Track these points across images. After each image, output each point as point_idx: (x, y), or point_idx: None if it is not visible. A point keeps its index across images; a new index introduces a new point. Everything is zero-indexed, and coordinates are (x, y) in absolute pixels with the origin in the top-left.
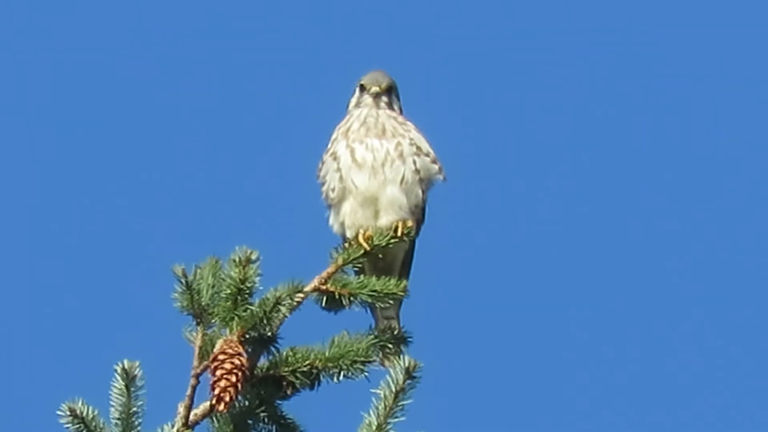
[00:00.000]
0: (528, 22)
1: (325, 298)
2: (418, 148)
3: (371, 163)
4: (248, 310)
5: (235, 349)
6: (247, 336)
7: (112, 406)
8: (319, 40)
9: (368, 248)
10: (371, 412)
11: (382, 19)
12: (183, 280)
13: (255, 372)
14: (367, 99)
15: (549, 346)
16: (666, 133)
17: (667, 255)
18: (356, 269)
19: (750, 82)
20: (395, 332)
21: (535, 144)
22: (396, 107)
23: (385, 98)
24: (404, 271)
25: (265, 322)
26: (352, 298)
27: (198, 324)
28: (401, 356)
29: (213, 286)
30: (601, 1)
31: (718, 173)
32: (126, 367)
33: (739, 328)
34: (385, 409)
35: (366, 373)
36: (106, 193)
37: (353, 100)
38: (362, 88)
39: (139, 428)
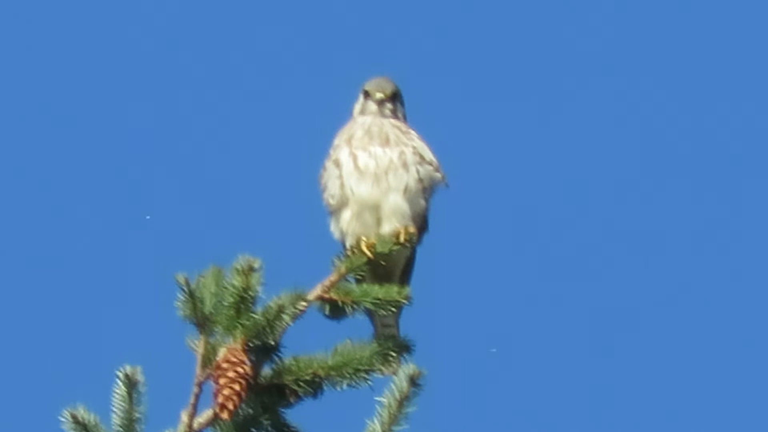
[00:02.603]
0: (530, 28)
1: (327, 306)
2: (422, 156)
3: (374, 171)
4: (251, 319)
5: (239, 357)
6: (250, 344)
7: (114, 412)
8: (320, 45)
9: (371, 256)
10: (375, 420)
11: (382, 24)
12: (185, 289)
13: (258, 380)
14: (372, 106)
15: (552, 353)
16: (665, 133)
17: (669, 257)
18: (359, 277)
19: (749, 82)
20: (398, 340)
21: (538, 151)
22: (400, 114)
23: (389, 105)
24: (404, 278)
25: (268, 330)
26: (355, 306)
27: (201, 332)
28: (405, 364)
29: (216, 295)
30: (599, 3)
31: (719, 174)
32: (128, 372)
33: (740, 327)
34: (389, 416)
35: (369, 382)
36: (109, 201)
37: (357, 107)
38: (366, 94)
39: None
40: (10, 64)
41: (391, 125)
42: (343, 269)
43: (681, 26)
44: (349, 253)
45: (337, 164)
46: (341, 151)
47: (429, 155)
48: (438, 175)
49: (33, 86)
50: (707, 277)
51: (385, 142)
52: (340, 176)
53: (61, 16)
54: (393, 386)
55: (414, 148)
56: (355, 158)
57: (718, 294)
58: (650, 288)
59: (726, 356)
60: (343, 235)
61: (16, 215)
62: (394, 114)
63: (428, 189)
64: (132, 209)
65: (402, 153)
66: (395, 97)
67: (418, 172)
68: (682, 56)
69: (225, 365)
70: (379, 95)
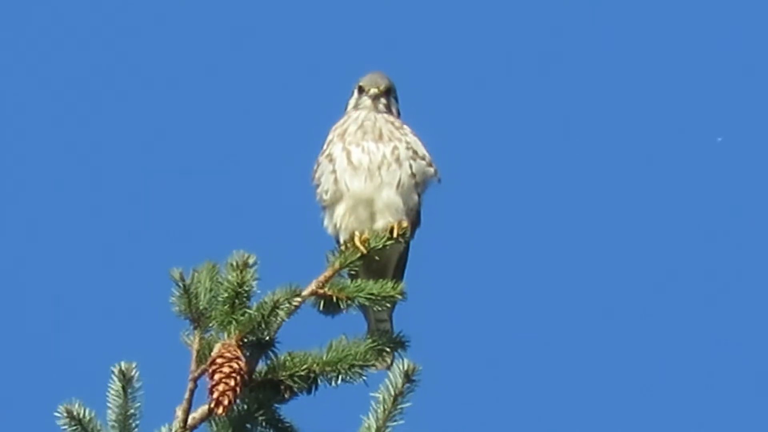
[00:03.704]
0: (523, 24)
1: (322, 302)
2: (415, 151)
3: (367, 166)
4: (246, 314)
5: (234, 353)
6: (245, 340)
7: (109, 407)
8: (314, 42)
9: (365, 251)
10: (370, 416)
11: (377, 20)
12: (180, 284)
13: (253, 376)
14: (366, 101)
15: (546, 348)
16: (662, 133)
17: (666, 255)
18: (353, 273)
19: (748, 82)
20: (392, 335)
21: (530, 146)
22: (394, 109)
23: (383, 100)
24: (398, 273)
25: (263, 326)
26: (349, 302)
27: (195, 328)
28: (400, 360)
29: (210, 290)
30: (596, 2)
31: (718, 175)
32: (123, 368)
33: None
34: (384, 412)
35: (364, 377)
36: (105, 196)
37: (351, 102)
38: (361, 89)
39: (136, 430)
40: (10, 64)
41: (384, 120)
42: (337, 265)
43: (679, 26)
44: (343, 248)
45: (331, 159)
46: (335, 146)
47: (422, 150)
48: (431, 170)
49: (33, 85)
50: (706, 276)
51: (379, 137)
52: (334, 171)
53: (61, 15)
54: (388, 382)
55: (407, 143)
56: (348, 153)
57: (718, 294)
58: (646, 281)
59: (726, 356)
60: (336, 230)
61: (14, 213)
62: (388, 109)
63: (421, 184)
64: (127, 206)
65: (395, 148)
66: (389, 93)
67: (411, 167)
68: (680, 56)
69: (220, 361)
70: (373, 90)
